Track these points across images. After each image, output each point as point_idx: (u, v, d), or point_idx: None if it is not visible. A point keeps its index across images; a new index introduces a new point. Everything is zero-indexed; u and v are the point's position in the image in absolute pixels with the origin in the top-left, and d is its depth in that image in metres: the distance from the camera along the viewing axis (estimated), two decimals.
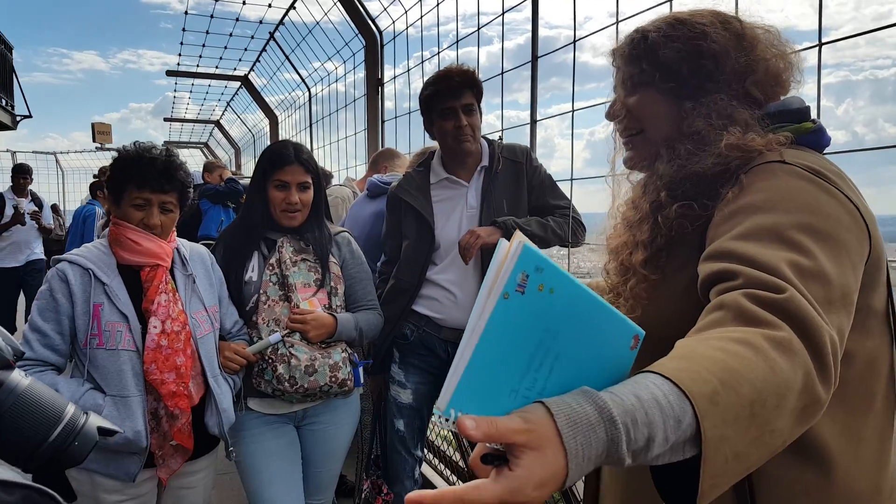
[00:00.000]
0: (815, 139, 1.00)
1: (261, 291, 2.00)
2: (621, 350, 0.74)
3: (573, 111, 2.43)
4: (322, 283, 2.06)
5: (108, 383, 1.69)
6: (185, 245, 1.96)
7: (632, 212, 1.08)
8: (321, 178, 2.16)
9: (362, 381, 2.05)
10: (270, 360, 1.92)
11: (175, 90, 10.01)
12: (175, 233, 1.92)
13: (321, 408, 2.09)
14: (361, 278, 2.18)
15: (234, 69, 8.03)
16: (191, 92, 10.17)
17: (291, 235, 2.08)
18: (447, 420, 0.65)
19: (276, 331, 1.95)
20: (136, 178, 1.75)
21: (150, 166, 1.74)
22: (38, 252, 6.50)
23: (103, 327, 1.71)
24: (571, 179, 2.39)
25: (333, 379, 1.94)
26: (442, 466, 3.49)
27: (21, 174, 6.45)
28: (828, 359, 0.71)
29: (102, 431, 0.96)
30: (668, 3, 2.00)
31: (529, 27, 2.67)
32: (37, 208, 6.46)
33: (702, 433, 0.62)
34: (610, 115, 1.14)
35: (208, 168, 6.19)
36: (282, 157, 2.03)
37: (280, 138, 8.41)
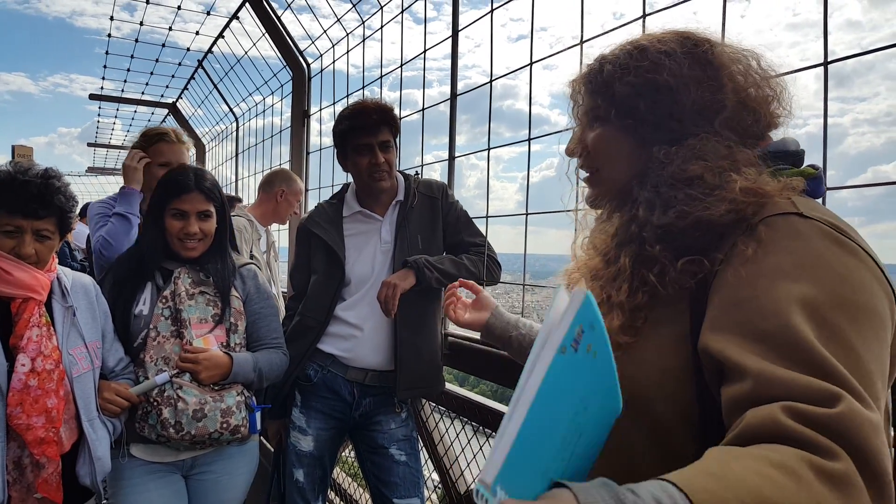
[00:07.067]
0: (814, 187, 0.89)
1: (151, 326, 1.85)
2: (606, 425, 0.70)
3: (489, 149, 2.42)
4: (221, 318, 1.93)
5: None
6: (68, 274, 1.80)
7: (602, 266, 0.95)
8: (226, 207, 2.05)
9: (259, 427, 1.91)
10: (155, 403, 1.77)
11: (100, 115, 9.62)
12: (56, 260, 1.77)
13: (213, 456, 1.93)
14: (266, 314, 2.06)
15: (162, 96, 7.78)
16: (115, 118, 9.80)
17: (191, 266, 1.95)
18: (486, 501, 0.56)
19: (165, 370, 1.80)
20: (6, 202, 1.59)
21: (23, 190, 1.58)
22: None
23: None
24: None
25: (225, 425, 1.80)
26: None
27: None
28: (889, 489, 0.62)
29: None
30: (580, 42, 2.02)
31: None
32: None
33: None
34: (568, 152, 1.05)
35: None
36: (179, 185, 1.91)
37: (207, 167, 8.17)
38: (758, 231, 0.79)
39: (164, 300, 1.87)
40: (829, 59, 1.34)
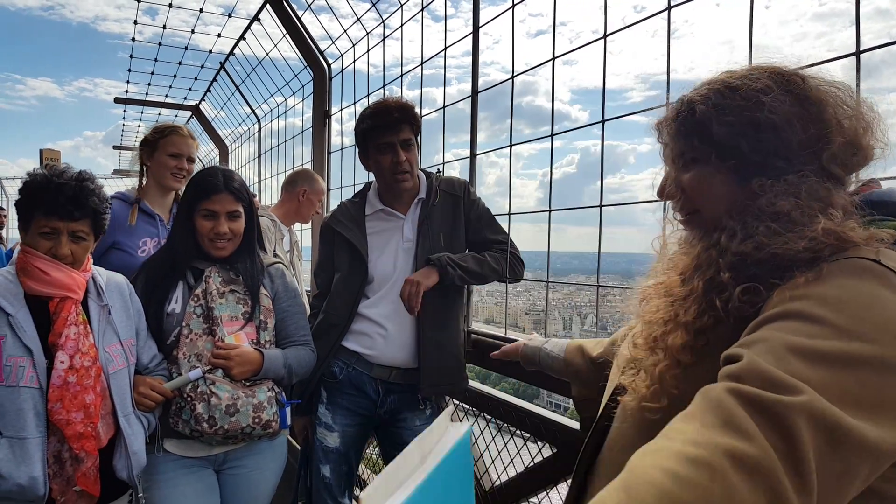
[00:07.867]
0: None
1: (183, 324, 1.90)
2: None
3: (511, 145, 2.43)
4: (251, 316, 1.97)
5: (4, 423, 1.56)
6: (102, 274, 1.85)
7: (678, 284, 0.96)
8: (253, 207, 2.09)
9: (289, 422, 1.95)
10: (189, 398, 1.81)
11: (125, 118, 9.78)
12: (91, 261, 1.82)
13: (244, 451, 1.97)
14: (294, 312, 2.10)
15: (185, 98, 7.89)
16: (140, 121, 9.96)
17: (221, 265, 1.99)
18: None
19: (198, 366, 1.84)
20: (43, 205, 1.65)
21: (59, 193, 1.64)
22: None
23: (4, 362, 1.59)
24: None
25: (257, 420, 1.84)
26: None
27: None
28: (810, 477, 0.63)
29: None
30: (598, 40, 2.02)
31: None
32: None
33: None
34: (661, 194, 1.03)
35: None
36: (209, 186, 1.95)
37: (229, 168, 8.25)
38: (821, 267, 0.78)
39: (195, 298, 1.92)
40: (860, 49, 1.30)
